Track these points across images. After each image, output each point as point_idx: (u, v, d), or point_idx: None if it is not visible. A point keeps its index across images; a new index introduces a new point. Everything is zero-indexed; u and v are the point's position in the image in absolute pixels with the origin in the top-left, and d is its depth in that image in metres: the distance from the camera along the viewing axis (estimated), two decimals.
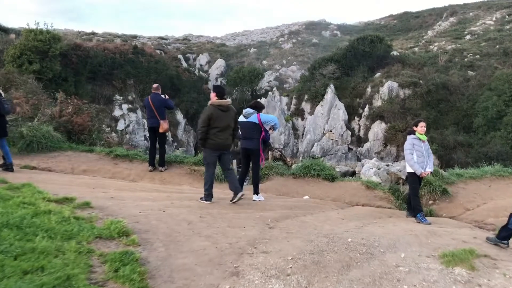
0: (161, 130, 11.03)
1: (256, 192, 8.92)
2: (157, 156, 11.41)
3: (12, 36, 37.74)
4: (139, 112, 37.78)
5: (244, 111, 8.92)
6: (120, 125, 36.90)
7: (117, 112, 37.29)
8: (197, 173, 11.12)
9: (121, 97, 37.78)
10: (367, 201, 10.15)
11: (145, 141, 37.37)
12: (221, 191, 10.19)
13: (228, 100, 8.21)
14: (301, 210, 8.25)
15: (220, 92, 8.18)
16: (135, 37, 57.79)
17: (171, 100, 11.61)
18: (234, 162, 11.81)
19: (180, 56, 53.14)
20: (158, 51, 50.87)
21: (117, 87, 38.01)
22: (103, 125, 14.74)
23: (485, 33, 45.92)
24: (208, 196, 8.13)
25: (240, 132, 8.91)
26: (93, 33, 56.59)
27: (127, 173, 11.02)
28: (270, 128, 8.93)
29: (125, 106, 37.45)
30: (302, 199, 10.00)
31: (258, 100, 9.36)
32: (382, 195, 10.37)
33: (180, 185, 10.17)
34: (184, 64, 51.71)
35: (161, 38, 60.19)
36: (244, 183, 9.63)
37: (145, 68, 39.83)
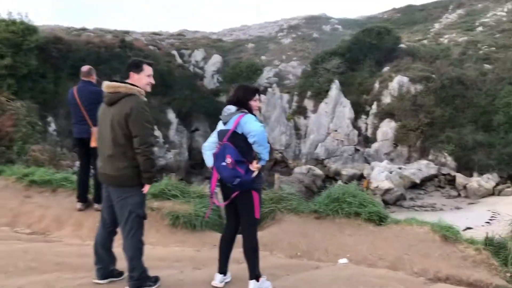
0: (93, 144, 6.28)
1: (253, 274, 4.20)
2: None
3: None
4: None
5: (223, 111, 4.26)
6: None
7: None
8: (157, 214, 6.43)
9: None
10: (453, 268, 5.46)
11: None
12: (193, 253, 5.54)
13: (114, 84, 3.95)
14: None
15: (130, 65, 4.18)
16: (127, 32, 52.82)
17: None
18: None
19: (174, 52, 48.35)
20: (151, 47, 46.19)
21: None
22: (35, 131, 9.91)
23: (498, 25, 41.16)
24: (97, 271, 4.19)
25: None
26: (84, 29, 51.61)
27: (40, 214, 6.31)
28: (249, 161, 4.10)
29: None
30: (336, 267, 5.34)
31: (248, 84, 4.19)
32: (475, 255, 5.68)
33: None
34: (179, 60, 46.94)
35: (155, 33, 55.26)
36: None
37: None
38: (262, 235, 6.07)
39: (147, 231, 6.08)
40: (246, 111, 4.14)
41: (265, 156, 4.05)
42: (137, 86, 3.95)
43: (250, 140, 3.95)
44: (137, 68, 4.05)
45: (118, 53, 35.16)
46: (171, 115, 35.17)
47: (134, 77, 4.01)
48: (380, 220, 6.56)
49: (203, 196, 7.00)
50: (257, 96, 4.30)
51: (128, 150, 3.86)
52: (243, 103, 4.21)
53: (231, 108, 4.21)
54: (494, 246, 5.77)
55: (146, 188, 4.04)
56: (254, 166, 4.01)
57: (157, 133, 33.76)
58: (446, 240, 6.01)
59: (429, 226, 6.35)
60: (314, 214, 6.72)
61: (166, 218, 6.25)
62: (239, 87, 4.41)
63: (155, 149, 33.43)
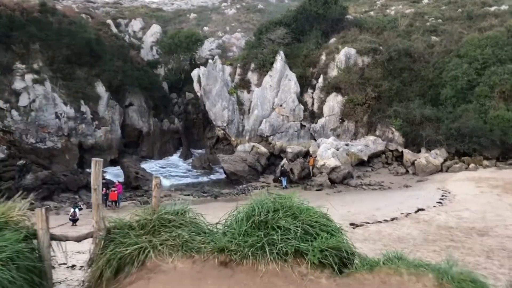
0: None
1: None
2: None
3: None
4: (47, 83, 28.23)
5: None
6: (23, 101, 27.41)
7: (18, 84, 27.62)
8: None
9: (24, 66, 28.08)
10: None
11: (57, 119, 28.22)
12: None
13: None
14: None
15: None
16: None
17: None
18: None
19: (109, 21, 43.26)
20: (83, 15, 40.89)
21: (17, 53, 28.19)
22: None
23: None
24: None
25: None
26: None
27: None
28: None
29: (29, 77, 27.83)
30: None
31: None
32: None
33: None
34: (114, 30, 41.98)
35: (88, 1, 49.43)
36: None
37: (55, 30, 29.97)
38: None
39: None
40: None
41: None
42: None
43: None
44: None
45: (37, 18, 30.01)
46: (100, 89, 30.65)
47: None
48: (341, 263, 3.41)
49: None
50: None
51: None
52: None
53: None
54: None
55: None
56: None
57: (84, 108, 29.34)
58: None
59: (433, 276, 3.27)
60: (219, 255, 3.46)
61: None
62: None
63: (82, 126, 29.12)
